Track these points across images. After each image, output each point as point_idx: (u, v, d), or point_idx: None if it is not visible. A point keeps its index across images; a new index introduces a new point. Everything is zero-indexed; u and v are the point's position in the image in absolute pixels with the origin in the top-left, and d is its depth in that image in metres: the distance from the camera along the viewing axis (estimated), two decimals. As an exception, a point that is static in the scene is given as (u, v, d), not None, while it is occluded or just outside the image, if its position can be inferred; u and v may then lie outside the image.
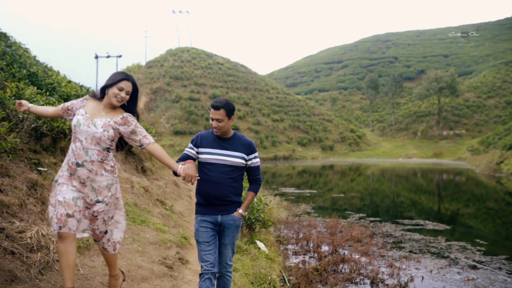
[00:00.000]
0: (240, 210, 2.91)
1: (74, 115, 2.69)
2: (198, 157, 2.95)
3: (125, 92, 2.68)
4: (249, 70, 67.23)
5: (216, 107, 2.82)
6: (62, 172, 2.62)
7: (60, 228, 2.48)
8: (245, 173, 3.05)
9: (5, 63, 5.24)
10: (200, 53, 64.75)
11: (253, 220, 6.03)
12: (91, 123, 2.59)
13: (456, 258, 6.69)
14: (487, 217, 11.90)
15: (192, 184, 2.75)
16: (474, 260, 6.55)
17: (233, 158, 2.86)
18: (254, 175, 3.00)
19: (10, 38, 8.37)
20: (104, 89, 2.70)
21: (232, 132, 2.95)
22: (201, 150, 2.91)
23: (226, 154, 2.86)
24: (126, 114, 2.70)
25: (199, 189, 2.90)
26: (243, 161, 2.90)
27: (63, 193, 2.53)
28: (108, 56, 37.35)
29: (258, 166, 3.00)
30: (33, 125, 4.29)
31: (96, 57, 36.49)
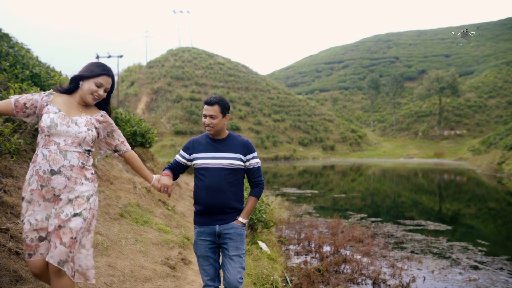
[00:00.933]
0: (240, 218, 2.66)
1: (35, 114, 2.22)
2: (191, 164, 2.77)
3: (104, 90, 2.28)
4: (250, 70, 67.24)
5: (210, 103, 2.63)
6: (30, 186, 2.10)
7: (30, 256, 2.10)
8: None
9: (8, 64, 5.25)
10: (201, 53, 64.78)
11: (255, 221, 6.04)
12: (70, 121, 2.16)
13: (458, 258, 6.69)
14: (488, 217, 11.89)
15: (169, 195, 2.63)
16: (475, 261, 6.56)
17: (229, 160, 2.64)
18: (254, 177, 2.75)
19: (12, 38, 8.40)
20: (77, 80, 2.25)
21: (227, 132, 2.76)
22: (194, 155, 2.71)
23: (221, 157, 2.64)
24: (103, 112, 2.36)
25: (196, 197, 2.69)
26: (241, 162, 2.67)
27: (35, 213, 2.08)
28: (109, 56, 37.44)
29: (259, 167, 2.77)
30: (36, 126, 4.30)
31: (97, 57, 36.54)
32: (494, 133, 42.08)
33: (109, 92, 2.36)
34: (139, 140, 7.98)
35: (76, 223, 2.08)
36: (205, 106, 2.66)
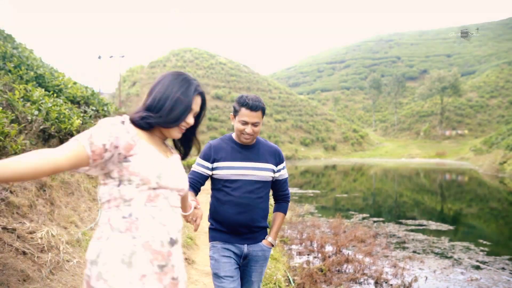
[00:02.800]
0: (270, 238, 2.30)
1: (112, 157, 1.23)
2: (212, 175, 2.24)
3: (193, 114, 1.49)
4: (252, 70, 67.33)
5: (255, 108, 2.10)
6: (138, 270, 1.24)
7: None
8: None
9: (12, 65, 5.29)
10: (203, 53, 64.88)
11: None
12: (173, 167, 1.46)
13: (460, 258, 6.71)
14: (490, 217, 11.90)
15: (196, 229, 1.88)
16: (477, 261, 6.57)
17: (262, 171, 2.21)
18: (282, 190, 2.39)
19: (16, 39, 8.46)
20: (163, 125, 1.41)
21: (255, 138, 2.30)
22: (217, 164, 2.19)
23: (252, 167, 2.20)
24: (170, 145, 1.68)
25: (216, 213, 2.22)
26: (272, 174, 2.26)
27: None
28: (111, 56, 37.51)
29: (287, 178, 2.40)
30: (41, 127, 4.34)
31: (99, 57, 36.61)
32: (496, 133, 42.02)
33: (198, 116, 1.56)
34: (142, 140, 8.02)
35: None
36: (247, 111, 2.10)
